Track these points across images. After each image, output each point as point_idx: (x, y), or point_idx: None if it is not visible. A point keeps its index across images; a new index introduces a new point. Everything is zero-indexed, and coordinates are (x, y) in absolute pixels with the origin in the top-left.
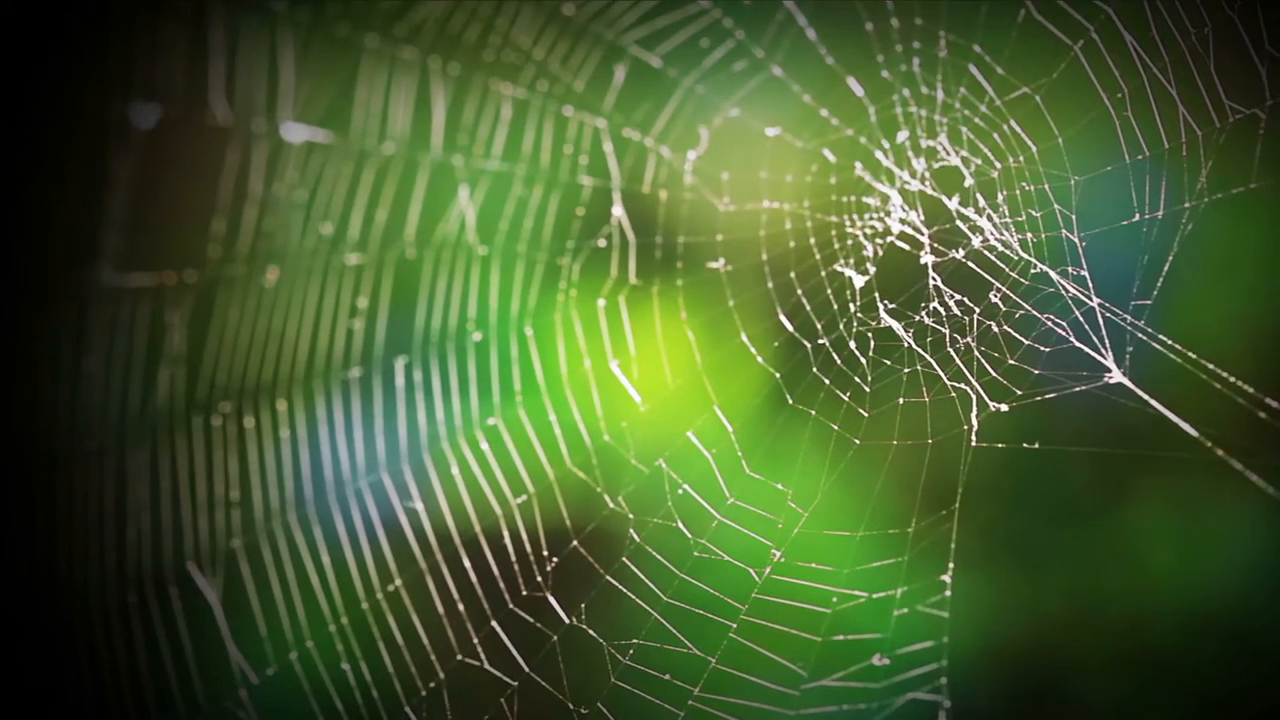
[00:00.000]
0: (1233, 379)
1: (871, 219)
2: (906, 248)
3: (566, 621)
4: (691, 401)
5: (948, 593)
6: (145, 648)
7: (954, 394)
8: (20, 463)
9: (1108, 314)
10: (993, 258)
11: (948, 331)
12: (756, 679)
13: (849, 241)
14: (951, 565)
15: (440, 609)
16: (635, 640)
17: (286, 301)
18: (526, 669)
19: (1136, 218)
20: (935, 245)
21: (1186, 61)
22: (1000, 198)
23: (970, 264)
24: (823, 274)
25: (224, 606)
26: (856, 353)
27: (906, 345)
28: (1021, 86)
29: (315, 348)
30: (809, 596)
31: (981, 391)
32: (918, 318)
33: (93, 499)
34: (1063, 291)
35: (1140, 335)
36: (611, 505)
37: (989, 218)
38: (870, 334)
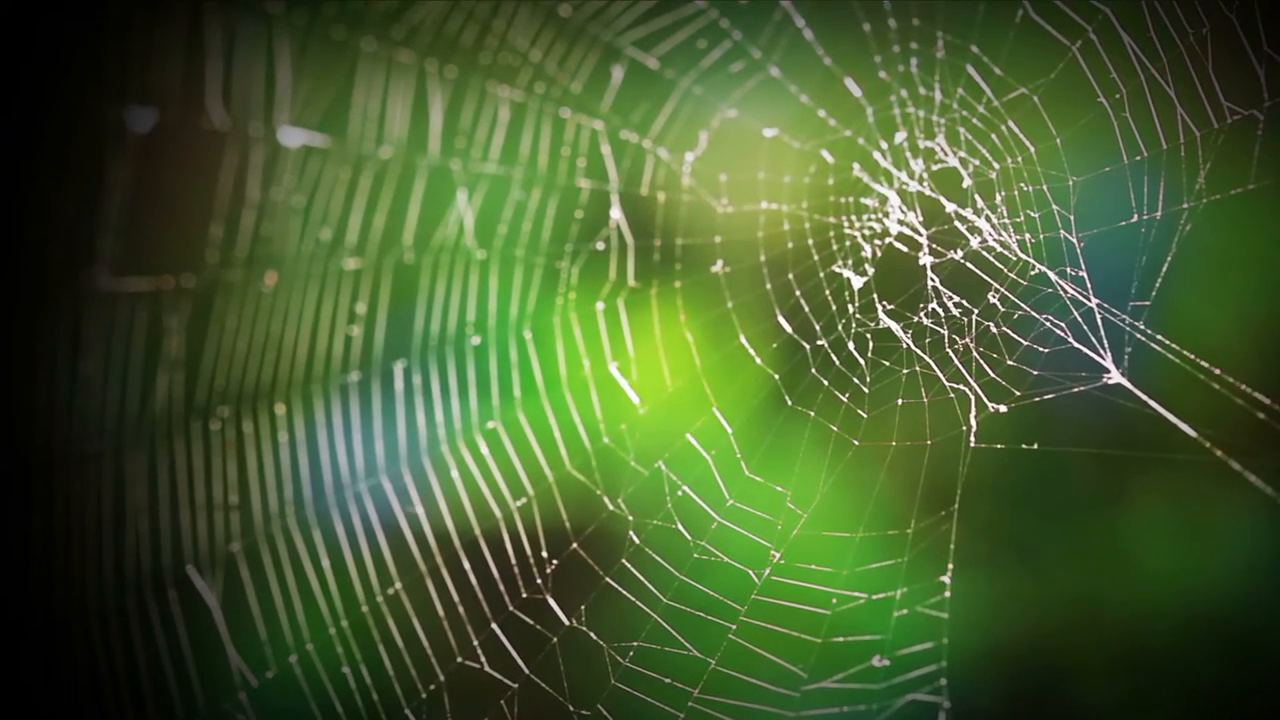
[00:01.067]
0: (1232, 379)
1: (870, 220)
2: (905, 249)
3: (566, 623)
4: (690, 403)
5: (947, 594)
6: (144, 651)
7: (953, 395)
8: (19, 466)
9: (1106, 315)
10: (991, 259)
11: (946, 332)
12: (756, 680)
13: (847, 243)
14: (951, 566)
15: (440, 612)
16: (635, 642)
17: (285, 306)
18: (527, 671)
19: (1135, 218)
20: (933, 246)
21: (1185, 62)
22: (998, 198)
23: (969, 265)
24: (821, 275)
25: (223, 610)
26: (855, 354)
27: (905, 346)
28: (1019, 87)
29: (314, 352)
30: (809, 598)
31: (980, 392)
32: (916, 319)
33: (91, 502)
34: (1061, 292)
35: (1139, 336)
36: (611, 507)
37: (987, 218)
38: (869, 335)
